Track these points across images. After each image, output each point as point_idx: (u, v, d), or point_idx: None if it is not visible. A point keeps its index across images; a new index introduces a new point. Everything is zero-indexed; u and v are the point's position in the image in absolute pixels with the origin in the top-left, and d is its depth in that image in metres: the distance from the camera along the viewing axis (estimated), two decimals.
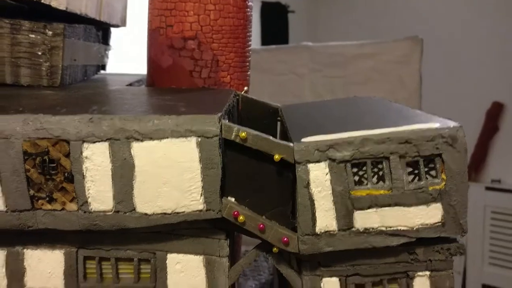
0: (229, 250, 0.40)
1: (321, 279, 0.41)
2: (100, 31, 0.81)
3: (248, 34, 0.70)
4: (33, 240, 0.40)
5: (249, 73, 0.71)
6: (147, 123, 0.37)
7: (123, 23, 0.90)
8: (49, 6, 0.60)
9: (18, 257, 0.40)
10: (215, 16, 0.65)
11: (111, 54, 0.89)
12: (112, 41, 0.89)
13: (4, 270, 0.40)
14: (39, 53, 0.60)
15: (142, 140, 0.37)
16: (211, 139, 0.37)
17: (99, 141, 0.37)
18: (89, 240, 0.40)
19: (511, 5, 2.23)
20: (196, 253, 0.40)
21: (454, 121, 0.40)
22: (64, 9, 0.63)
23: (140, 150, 0.37)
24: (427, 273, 0.41)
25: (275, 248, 0.40)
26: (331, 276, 0.41)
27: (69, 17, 0.66)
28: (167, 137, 0.37)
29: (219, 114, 0.38)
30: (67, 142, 0.37)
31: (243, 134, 0.38)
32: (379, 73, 1.75)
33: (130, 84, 0.70)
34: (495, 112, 2.39)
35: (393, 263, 0.41)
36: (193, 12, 0.65)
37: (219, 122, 0.38)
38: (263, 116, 0.65)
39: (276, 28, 2.51)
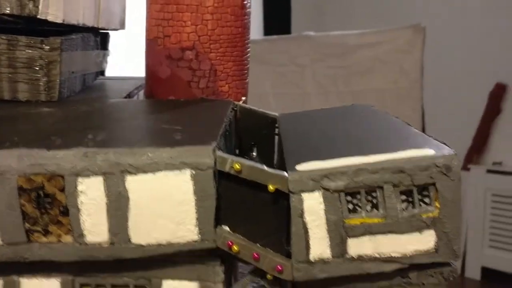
0: (224, 276, 0.41)
1: None
2: (99, 36, 0.81)
3: (246, 42, 0.69)
4: (29, 269, 0.40)
5: (247, 81, 0.71)
6: (142, 157, 0.37)
7: (122, 26, 0.90)
8: (45, 20, 0.60)
9: (14, 286, 0.41)
10: (212, 25, 0.65)
11: (110, 57, 0.89)
12: (111, 43, 0.89)
13: None
14: (37, 69, 0.60)
15: (136, 174, 0.37)
16: (205, 171, 0.38)
17: (93, 176, 0.37)
18: (85, 268, 0.40)
19: None
20: (191, 280, 0.41)
21: (449, 147, 0.41)
22: (61, 22, 0.63)
23: (134, 184, 0.37)
24: None
25: (269, 275, 0.40)
26: None
27: (66, 26, 0.66)
28: (161, 170, 0.37)
29: (214, 145, 0.39)
30: (62, 177, 0.37)
31: (237, 166, 0.38)
32: (381, 63, 1.74)
33: (129, 94, 0.70)
34: (498, 94, 2.37)
35: (386, 287, 0.41)
36: (191, 22, 0.64)
37: (213, 154, 0.38)
38: (261, 126, 0.65)
39: (279, 16, 2.49)
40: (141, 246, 0.38)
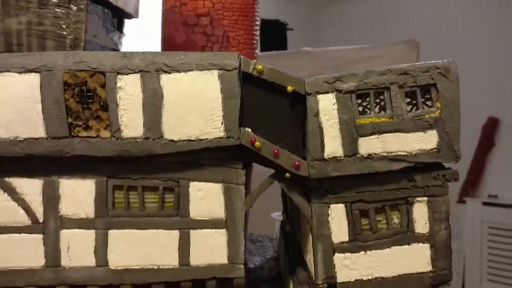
0: (245, 178, 0.45)
1: (329, 206, 0.45)
2: (116, 19, 0.86)
3: (256, 13, 0.75)
4: (68, 170, 0.44)
5: (257, 51, 0.76)
6: (175, 57, 0.42)
7: (136, 14, 0.95)
8: None
9: (54, 186, 0.44)
10: None
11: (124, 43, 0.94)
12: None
13: (41, 197, 0.44)
14: (64, 27, 0.65)
15: (170, 72, 0.42)
16: (231, 71, 0.42)
17: (131, 73, 0.41)
18: (118, 170, 0.44)
19: (508, 21, 2.27)
20: (216, 181, 0.44)
21: None
22: None
23: (168, 81, 0.42)
24: (425, 198, 0.45)
25: (287, 174, 0.44)
26: (337, 202, 0.45)
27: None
28: (192, 70, 0.42)
29: (239, 53, 0.43)
30: (103, 74, 0.41)
31: (260, 67, 0.43)
32: None
33: None
34: (491, 127, 2.38)
35: (394, 189, 0.45)
36: None
37: (238, 58, 0.42)
38: None
39: (275, 45, 2.57)
40: (173, 141, 0.42)
